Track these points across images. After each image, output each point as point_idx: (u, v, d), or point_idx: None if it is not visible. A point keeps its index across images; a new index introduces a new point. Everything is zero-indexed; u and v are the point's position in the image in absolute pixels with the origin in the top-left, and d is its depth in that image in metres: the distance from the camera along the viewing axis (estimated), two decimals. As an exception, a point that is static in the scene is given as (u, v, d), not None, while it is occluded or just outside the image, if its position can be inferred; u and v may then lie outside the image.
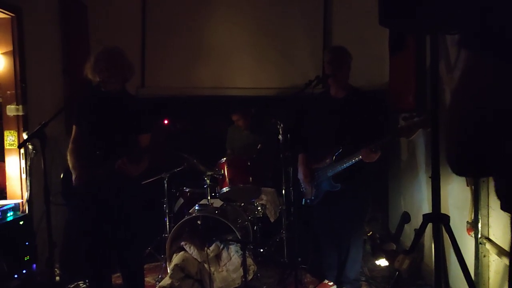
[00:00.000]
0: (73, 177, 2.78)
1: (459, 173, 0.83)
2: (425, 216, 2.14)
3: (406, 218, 4.08)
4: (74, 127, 2.93)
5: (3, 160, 3.57)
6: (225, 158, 3.87)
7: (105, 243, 2.87)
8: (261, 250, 3.96)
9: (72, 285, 3.55)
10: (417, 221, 3.86)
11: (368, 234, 4.15)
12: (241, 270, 3.35)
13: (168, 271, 3.51)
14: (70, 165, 2.83)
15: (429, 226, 2.17)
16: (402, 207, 4.30)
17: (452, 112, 0.80)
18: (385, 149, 2.95)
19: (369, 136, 3.00)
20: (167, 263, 3.61)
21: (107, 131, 2.78)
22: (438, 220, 2.12)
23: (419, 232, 2.18)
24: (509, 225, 1.76)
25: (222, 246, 3.61)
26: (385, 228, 4.81)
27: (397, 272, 2.16)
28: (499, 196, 0.86)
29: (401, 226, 4.14)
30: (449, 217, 2.13)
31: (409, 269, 2.14)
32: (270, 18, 4.72)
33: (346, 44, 3.28)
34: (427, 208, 3.57)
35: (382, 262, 3.82)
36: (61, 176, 2.90)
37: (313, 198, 3.31)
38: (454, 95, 0.80)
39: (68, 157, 2.86)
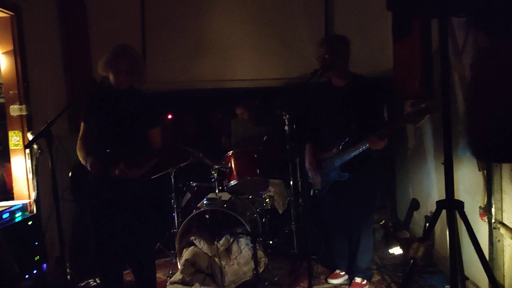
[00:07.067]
0: (88, 165, 2.72)
1: (494, 159, 0.80)
2: (439, 202, 2.11)
3: (415, 205, 4.06)
4: (82, 124, 2.89)
5: (9, 161, 3.55)
6: (231, 151, 3.85)
7: (115, 240, 2.84)
8: (271, 242, 3.95)
9: (83, 283, 3.55)
10: (426, 207, 3.84)
11: (381, 223, 4.13)
12: (252, 262, 3.33)
13: (179, 266, 3.51)
14: (82, 160, 2.80)
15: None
16: (411, 194, 4.28)
17: (474, 99, 0.77)
18: (391, 137, 2.91)
19: (372, 123, 2.97)
20: (177, 258, 3.60)
21: (116, 128, 2.75)
22: (452, 206, 2.09)
23: (433, 219, 2.15)
24: None
25: (232, 239, 3.59)
26: (393, 216, 4.79)
27: (412, 260, 2.14)
28: None
29: (410, 213, 4.12)
30: (463, 203, 2.09)
31: (424, 256, 2.11)
32: (270, 7, 4.66)
33: (348, 31, 3.23)
34: (436, 194, 3.55)
35: (396, 251, 3.78)
36: (70, 173, 2.87)
37: (321, 188, 3.29)
38: (475, 82, 0.77)
39: (78, 153, 2.83)
